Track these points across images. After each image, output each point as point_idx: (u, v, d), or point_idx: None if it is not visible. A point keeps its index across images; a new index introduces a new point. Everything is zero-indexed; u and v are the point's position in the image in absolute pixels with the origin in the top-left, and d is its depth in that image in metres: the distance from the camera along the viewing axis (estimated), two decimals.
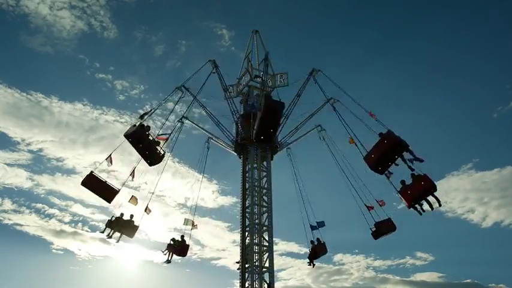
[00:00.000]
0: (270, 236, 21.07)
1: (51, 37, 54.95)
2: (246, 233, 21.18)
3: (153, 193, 20.45)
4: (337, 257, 57.42)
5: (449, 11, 62.47)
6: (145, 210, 19.90)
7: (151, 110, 19.84)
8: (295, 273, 56.64)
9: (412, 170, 15.77)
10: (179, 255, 21.04)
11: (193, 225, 21.62)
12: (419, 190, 15.57)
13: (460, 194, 57.55)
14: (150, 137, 18.13)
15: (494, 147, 61.33)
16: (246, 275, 20.25)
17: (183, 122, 22.41)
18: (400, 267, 56.22)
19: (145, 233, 46.24)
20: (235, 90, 24.96)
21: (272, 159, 23.26)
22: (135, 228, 19.53)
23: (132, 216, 19.65)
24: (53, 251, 54.06)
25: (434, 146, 55.50)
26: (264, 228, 21.20)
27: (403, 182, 16.32)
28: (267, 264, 20.53)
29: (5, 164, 51.13)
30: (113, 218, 19.23)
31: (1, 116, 50.26)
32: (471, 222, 56.68)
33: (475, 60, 61.47)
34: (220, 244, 58.04)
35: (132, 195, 19.24)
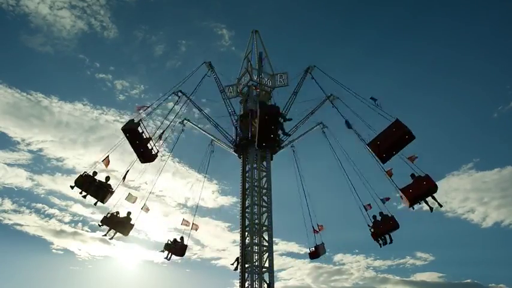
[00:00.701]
0: (270, 236, 21.02)
1: (51, 37, 55.02)
2: (246, 233, 21.16)
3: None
4: (338, 257, 57.41)
5: (449, 11, 62.52)
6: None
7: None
8: (295, 273, 56.70)
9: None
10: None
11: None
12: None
13: (460, 194, 57.55)
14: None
15: (494, 147, 61.35)
16: (246, 275, 20.24)
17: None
18: (400, 267, 56.23)
19: (145, 233, 46.36)
20: (235, 90, 24.96)
21: (272, 159, 23.23)
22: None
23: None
24: (53, 251, 54.08)
25: (435, 146, 55.49)
26: (264, 228, 21.19)
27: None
28: (266, 264, 20.50)
29: (5, 164, 51.16)
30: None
31: (1, 115, 50.31)
32: (471, 222, 56.68)
33: (475, 60, 61.49)
34: (220, 244, 58.04)
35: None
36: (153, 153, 18.65)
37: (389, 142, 16.00)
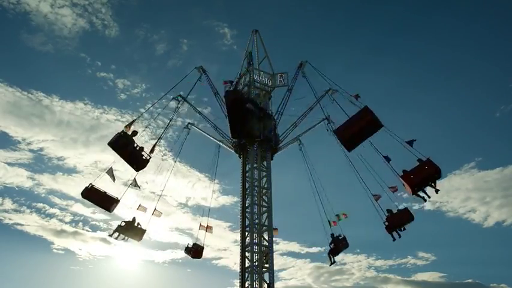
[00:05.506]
0: (270, 236, 21.02)
1: (52, 36, 55.12)
2: (246, 233, 21.16)
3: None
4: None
5: (449, 11, 62.48)
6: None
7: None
8: (296, 273, 56.73)
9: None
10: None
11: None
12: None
13: (461, 193, 57.61)
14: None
15: (496, 147, 61.51)
16: (246, 275, 20.24)
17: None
18: (402, 267, 56.30)
19: (145, 233, 46.44)
20: None
21: (272, 159, 23.23)
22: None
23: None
24: (54, 250, 54.24)
25: (436, 145, 55.54)
26: (264, 228, 21.18)
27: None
28: (266, 264, 20.48)
29: (6, 163, 51.35)
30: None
31: (2, 115, 50.46)
32: (473, 222, 56.73)
33: (476, 60, 61.61)
34: (221, 244, 58.11)
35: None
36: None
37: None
